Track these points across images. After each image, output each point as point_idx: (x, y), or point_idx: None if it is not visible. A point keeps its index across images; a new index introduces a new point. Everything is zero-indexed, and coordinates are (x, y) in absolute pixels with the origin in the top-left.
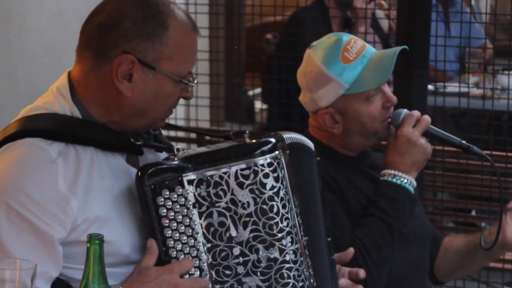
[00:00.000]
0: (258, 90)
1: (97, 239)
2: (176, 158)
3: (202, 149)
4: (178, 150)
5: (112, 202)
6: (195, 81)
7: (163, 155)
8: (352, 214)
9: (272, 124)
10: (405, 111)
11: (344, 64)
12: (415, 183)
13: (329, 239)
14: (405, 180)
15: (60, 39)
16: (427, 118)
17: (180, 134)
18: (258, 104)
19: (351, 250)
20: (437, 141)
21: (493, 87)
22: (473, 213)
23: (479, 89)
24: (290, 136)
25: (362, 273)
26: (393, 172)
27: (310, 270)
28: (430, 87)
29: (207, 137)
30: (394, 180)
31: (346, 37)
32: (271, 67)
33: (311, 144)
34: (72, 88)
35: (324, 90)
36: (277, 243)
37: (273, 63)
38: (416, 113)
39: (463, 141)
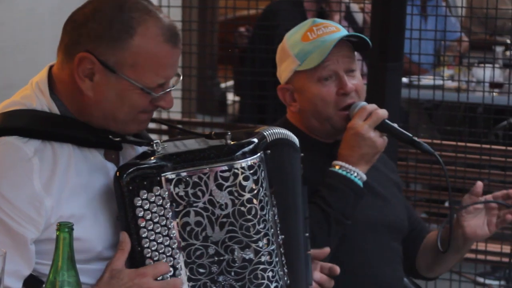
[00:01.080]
0: (230, 83)
1: (67, 227)
2: (154, 157)
3: (186, 144)
4: (157, 144)
5: (87, 199)
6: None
7: (144, 147)
8: None
9: (244, 116)
10: (361, 103)
11: (302, 42)
12: (364, 177)
13: (307, 234)
14: (352, 172)
15: (33, 33)
16: (380, 112)
17: (152, 125)
18: (230, 96)
19: (327, 249)
20: (390, 135)
21: (468, 79)
22: (446, 204)
23: (454, 82)
24: (272, 132)
25: (337, 269)
26: (341, 163)
27: (285, 268)
28: (405, 79)
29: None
30: (340, 171)
31: (319, 20)
32: (244, 60)
33: (295, 139)
34: (52, 83)
35: (283, 65)
36: (253, 245)
37: (247, 55)
38: (371, 106)
39: (414, 138)
